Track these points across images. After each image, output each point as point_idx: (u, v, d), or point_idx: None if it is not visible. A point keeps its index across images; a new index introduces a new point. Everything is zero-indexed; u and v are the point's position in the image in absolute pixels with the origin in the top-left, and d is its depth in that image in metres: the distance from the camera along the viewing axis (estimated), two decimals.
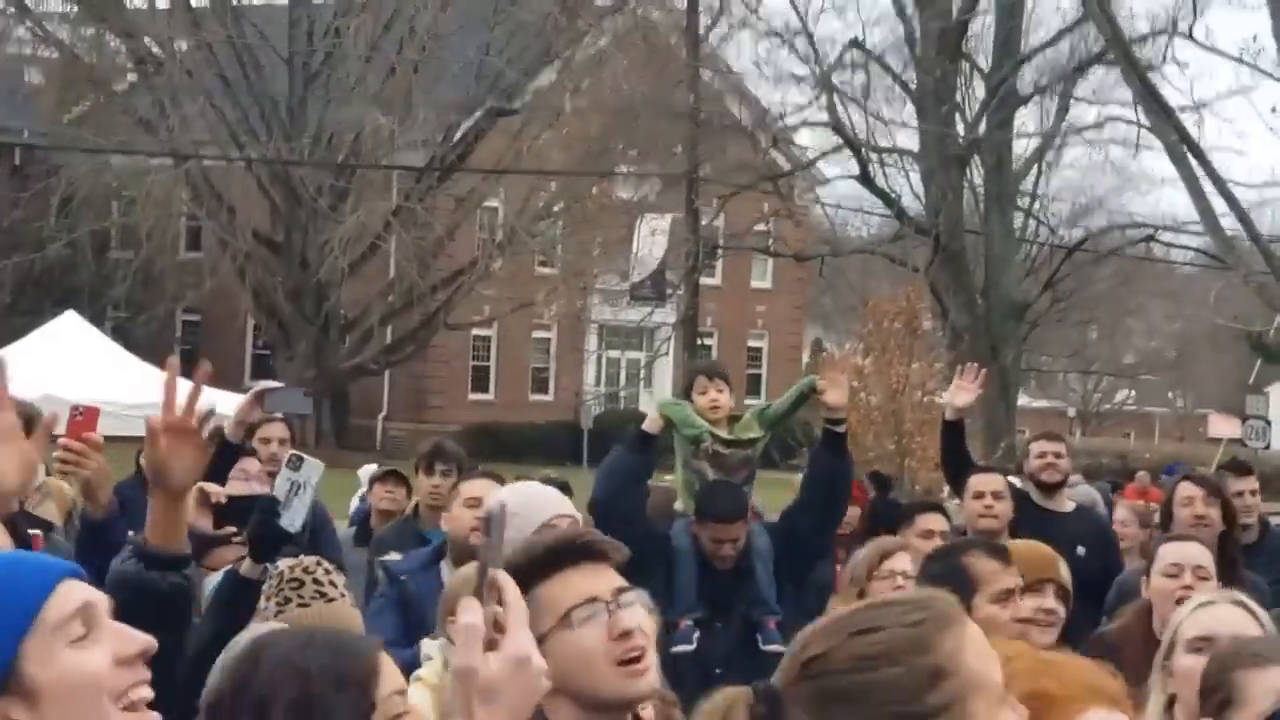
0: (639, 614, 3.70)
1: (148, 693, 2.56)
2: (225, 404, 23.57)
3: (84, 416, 5.60)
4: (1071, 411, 71.15)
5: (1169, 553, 6.78)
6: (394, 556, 7.92)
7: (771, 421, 8.56)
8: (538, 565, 3.66)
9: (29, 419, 4.38)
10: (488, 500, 7.14)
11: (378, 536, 9.56)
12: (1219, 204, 16.61)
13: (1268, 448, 37.52)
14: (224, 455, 6.56)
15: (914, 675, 2.66)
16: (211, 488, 5.98)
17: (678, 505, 8.53)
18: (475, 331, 52.86)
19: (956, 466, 9.80)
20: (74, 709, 2.48)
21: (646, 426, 8.27)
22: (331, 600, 5.31)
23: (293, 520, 5.58)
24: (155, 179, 44.58)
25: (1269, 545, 9.52)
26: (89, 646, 2.51)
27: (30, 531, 5.47)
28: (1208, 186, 16.05)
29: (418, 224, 45.37)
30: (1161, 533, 8.02)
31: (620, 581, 3.72)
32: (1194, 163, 16.62)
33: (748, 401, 8.76)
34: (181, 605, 4.27)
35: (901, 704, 2.65)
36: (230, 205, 44.72)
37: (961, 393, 9.64)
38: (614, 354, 57.24)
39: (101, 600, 2.56)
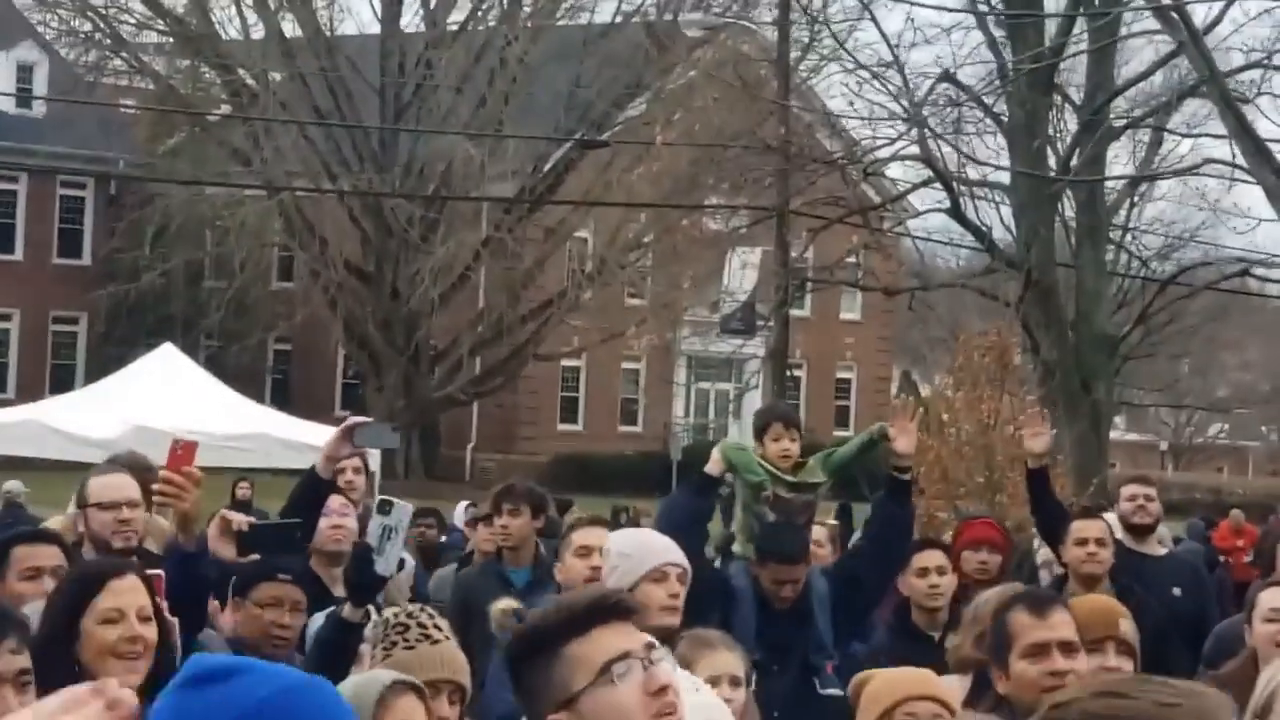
0: (669, 668, 3.74)
1: None
2: (318, 436, 23.64)
3: (183, 450, 5.68)
4: (1164, 445, 70.67)
5: (1269, 599, 6.71)
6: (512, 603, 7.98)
7: (836, 468, 8.59)
8: (574, 624, 3.71)
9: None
10: (598, 546, 7.18)
11: (460, 577, 9.56)
12: None
13: None
14: (313, 490, 6.58)
15: None
16: (234, 516, 6.03)
17: (736, 548, 8.54)
18: (564, 362, 52.99)
19: (1045, 513, 9.79)
20: None
21: (709, 469, 8.30)
22: (437, 642, 5.33)
23: (388, 564, 5.66)
24: (249, 209, 45.01)
25: None
26: None
27: (151, 572, 5.55)
28: None
29: (507, 255, 45.58)
30: (1261, 576, 7.96)
31: (648, 637, 3.76)
32: None
33: (836, 433, 8.72)
34: None
35: None
36: (322, 236, 45.05)
37: (1035, 439, 9.59)
38: (703, 385, 57.22)
39: None
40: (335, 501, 7.79)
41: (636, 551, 6.55)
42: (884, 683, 5.41)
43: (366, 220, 45.55)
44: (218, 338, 47.44)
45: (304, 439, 26.52)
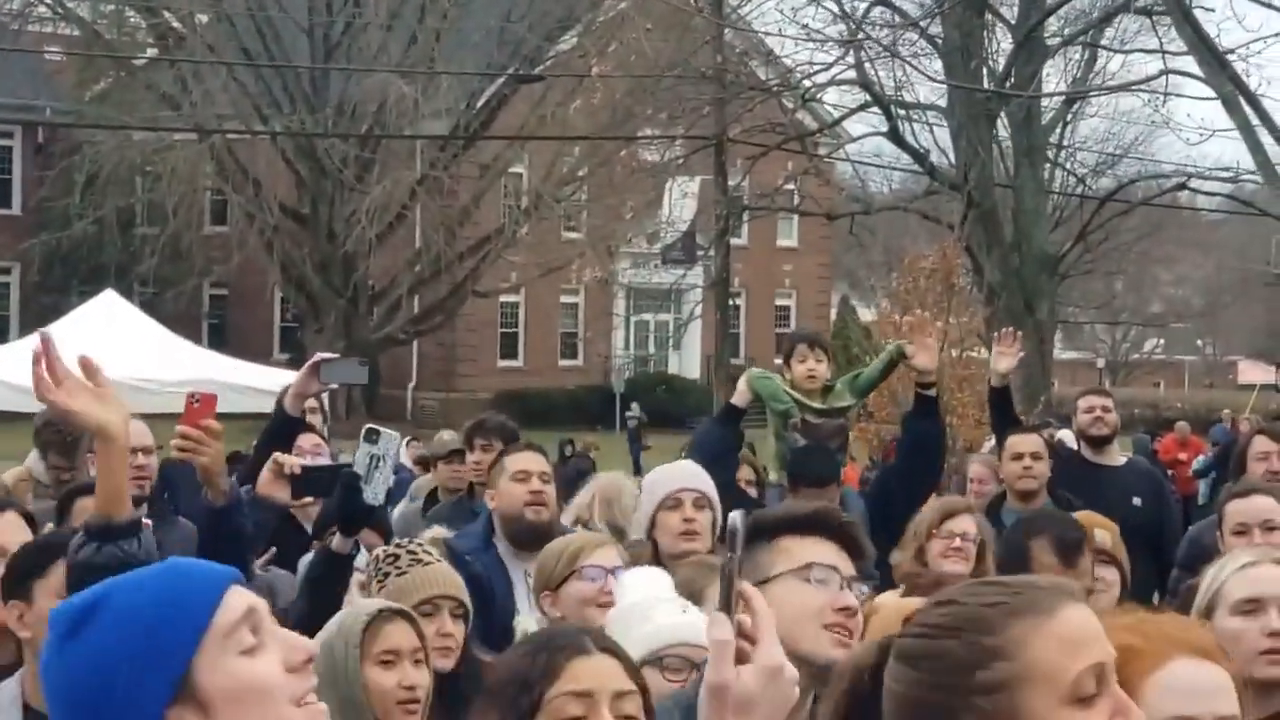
0: (855, 600, 3.83)
1: (319, 703, 2.55)
2: (262, 378, 23.56)
3: (201, 403, 5.58)
4: (1100, 362, 71.07)
5: (1236, 512, 6.76)
6: (440, 531, 7.86)
7: (863, 389, 8.69)
8: (795, 523, 3.86)
9: None
10: (536, 471, 7.14)
11: (433, 514, 9.46)
12: (1272, 152, 16.47)
13: None
14: (283, 428, 6.46)
15: (970, 651, 2.63)
16: (286, 458, 5.91)
17: (770, 476, 8.55)
18: (503, 298, 52.86)
19: (1007, 430, 9.87)
20: (248, 714, 2.48)
21: (735, 400, 8.39)
22: (429, 564, 5.34)
23: (376, 493, 5.61)
24: (179, 154, 44.56)
25: None
26: (260, 655, 2.51)
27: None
28: (1263, 136, 15.91)
29: (443, 193, 45.35)
30: (1231, 485, 7.99)
31: (854, 569, 3.89)
32: (1249, 110, 16.47)
33: (776, 361, 8.82)
34: None
35: (951, 675, 2.63)
36: (255, 178, 44.68)
37: (1003, 358, 9.62)
38: (644, 317, 57.22)
39: (264, 606, 2.56)
40: (307, 441, 7.69)
41: (653, 484, 6.63)
42: (897, 610, 5.36)
43: (300, 162, 45.20)
44: (152, 284, 47.02)
45: (248, 382, 26.39)
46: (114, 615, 2.48)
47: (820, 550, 3.82)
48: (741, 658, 2.57)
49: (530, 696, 3.19)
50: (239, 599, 2.52)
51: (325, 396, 9.47)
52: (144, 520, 4.51)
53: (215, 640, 2.48)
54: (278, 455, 5.98)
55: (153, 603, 2.49)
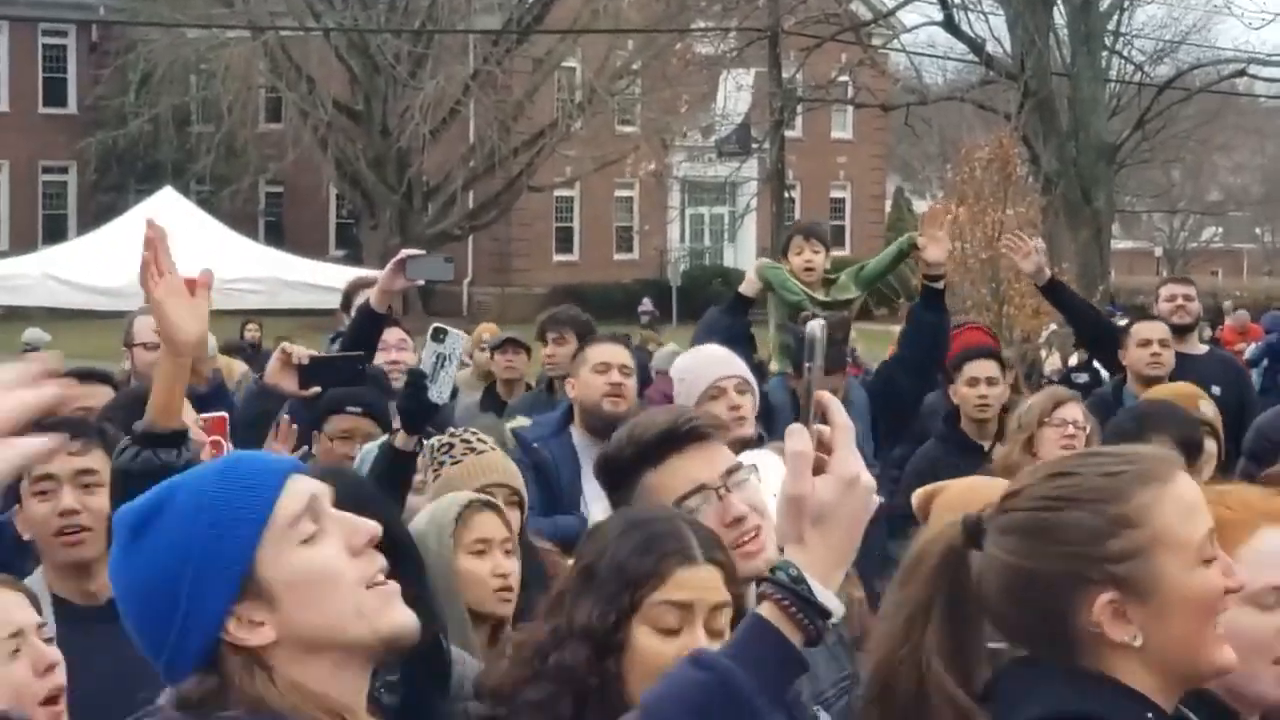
0: (750, 491, 3.70)
1: (389, 583, 2.57)
2: (321, 275, 23.59)
3: (208, 427, 5.65)
4: (1158, 251, 70.66)
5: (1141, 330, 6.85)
6: (522, 421, 7.85)
7: (868, 281, 8.60)
8: (645, 454, 3.70)
9: None
10: (617, 363, 7.17)
11: (511, 407, 9.48)
12: None
13: None
14: (368, 325, 6.54)
15: (1098, 520, 2.71)
16: (294, 349, 6.00)
17: (772, 365, 8.53)
18: (558, 193, 52.83)
19: (1078, 319, 9.90)
20: (315, 605, 2.50)
21: (744, 289, 8.31)
22: (482, 453, 5.39)
23: (440, 392, 5.63)
24: (233, 51, 44.60)
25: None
26: (321, 541, 2.53)
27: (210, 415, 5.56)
28: None
29: (496, 87, 45.25)
30: None
31: (728, 460, 3.73)
32: None
33: (834, 252, 8.69)
34: None
35: (1080, 545, 2.71)
36: (309, 75, 44.66)
37: (1027, 259, 9.51)
38: (699, 210, 57.07)
39: (325, 492, 2.57)
40: (393, 335, 7.72)
41: (690, 373, 6.53)
42: (961, 493, 5.32)
43: (353, 58, 45.11)
44: (209, 182, 47.12)
45: (305, 278, 26.49)
46: (176, 515, 2.51)
47: (684, 470, 3.67)
48: (819, 469, 2.56)
49: (632, 596, 3.22)
50: (299, 488, 2.54)
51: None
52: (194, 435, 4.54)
53: (276, 533, 2.50)
54: (285, 345, 6.08)
55: (212, 501, 2.51)
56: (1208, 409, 6.82)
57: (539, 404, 9.03)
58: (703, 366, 6.56)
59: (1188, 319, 9.78)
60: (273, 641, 2.49)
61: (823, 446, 2.58)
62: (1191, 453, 5.84)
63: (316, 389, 6.00)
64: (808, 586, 2.51)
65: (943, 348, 8.48)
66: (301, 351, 5.96)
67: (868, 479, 2.58)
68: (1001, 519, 2.79)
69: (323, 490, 2.57)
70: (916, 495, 5.22)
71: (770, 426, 7.82)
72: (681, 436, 3.70)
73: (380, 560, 2.56)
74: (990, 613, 2.79)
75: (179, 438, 4.27)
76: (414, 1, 44.36)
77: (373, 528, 2.58)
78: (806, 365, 2.66)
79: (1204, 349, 10.19)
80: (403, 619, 2.55)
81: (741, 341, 8.42)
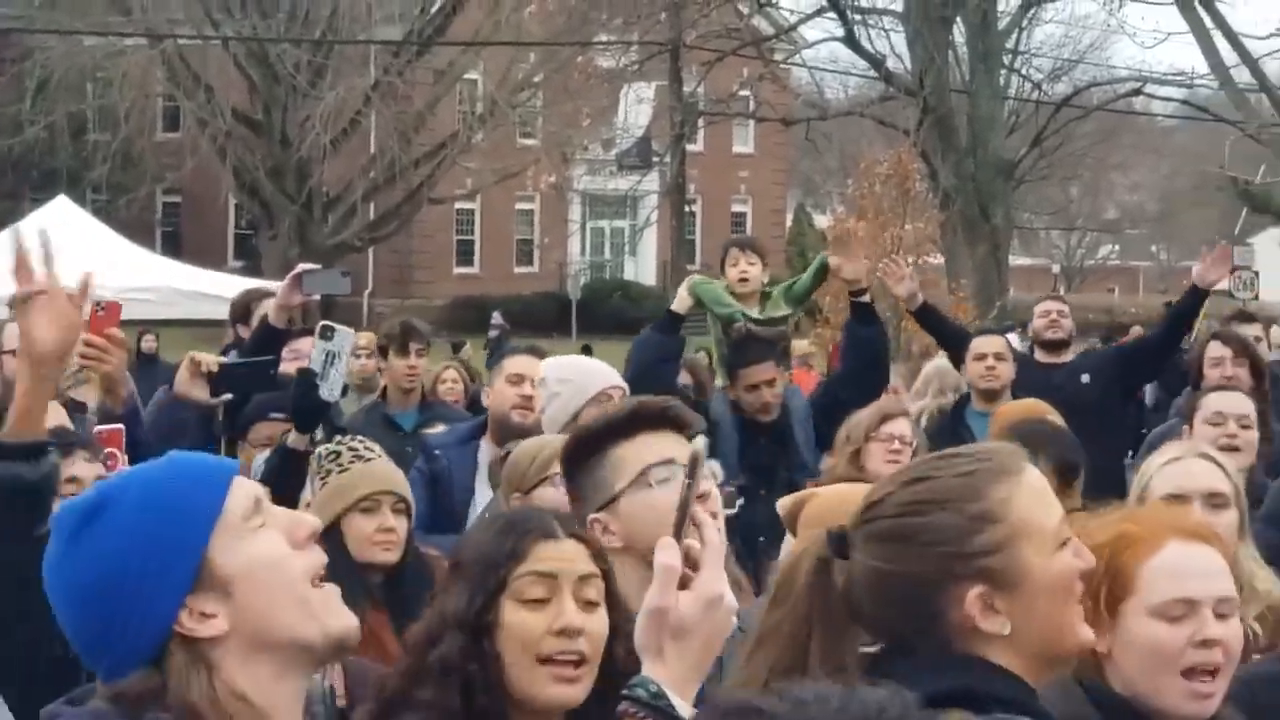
0: (710, 484, 3.82)
1: (329, 584, 2.60)
2: (216, 285, 23.37)
3: (106, 312, 5.56)
4: (1056, 268, 71.25)
5: (1214, 401, 6.94)
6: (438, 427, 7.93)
7: (798, 299, 8.71)
8: (619, 427, 3.79)
9: None
10: (531, 375, 7.16)
11: (347, 421, 9.29)
12: (1226, 56, 16.45)
13: (1256, 298, 37.50)
14: (267, 339, 6.51)
15: (961, 519, 2.80)
16: (203, 357, 5.97)
17: (717, 381, 8.60)
18: (459, 205, 52.69)
19: (949, 341, 10.09)
20: (266, 590, 2.51)
21: (675, 306, 8.37)
22: (369, 460, 5.40)
23: (331, 390, 5.64)
24: (131, 60, 44.15)
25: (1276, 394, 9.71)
26: (266, 532, 2.55)
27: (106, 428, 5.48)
28: (1218, 40, 15.89)
29: (397, 99, 45.03)
30: (1192, 391, 8.07)
31: (698, 447, 3.73)
32: (1202, 13, 16.45)
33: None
34: (48, 492, 4.13)
35: (947, 544, 2.79)
36: (208, 84, 44.28)
37: (900, 284, 9.75)
38: (599, 223, 57.10)
39: (264, 491, 2.61)
40: (306, 343, 7.67)
41: (577, 377, 6.60)
42: (829, 501, 5.26)
43: (252, 67, 44.78)
44: (105, 191, 46.73)
45: (201, 288, 26.29)
46: (126, 509, 2.50)
47: (653, 445, 3.76)
48: (684, 584, 2.61)
49: (496, 575, 3.26)
50: (245, 484, 2.58)
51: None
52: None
53: (229, 524, 2.52)
54: (194, 354, 6.05)
55: (164, 493, 2.52)
56: (1056, 422, 6.95)
57: (374, 417, 8.87)
58: (585, 375, 6.63)
59: (1061, 334, 10.07)
60: (224, 633, 2.48)
61: (690, 562, 2.62)
62: (1069, 474, 5.85)
63: (227, 396, 5.95)
64: (668, 701, 2.56)
65: (884, 359, 8.61)
66: (211, 360, 5.93)
67: (730, 600, 2.64)
68: (866, 528, 2.86)
69: (262, 490, 2.60)
70: (783, 504, 5.19)
71: (713, 439, 7.84)
72: (657, 416, 3.81)
73: (322, 556, 2.58)
74: (863, 619, 2.86)
75: (37, 450, 4.16)
76: (314, 11, 44.10)
77: (313, 521, 2.62)
78: (686, 481, 2.69)
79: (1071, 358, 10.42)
80: (349, 621, 2.57)
81: (675, 359, 8.49)
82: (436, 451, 7.08)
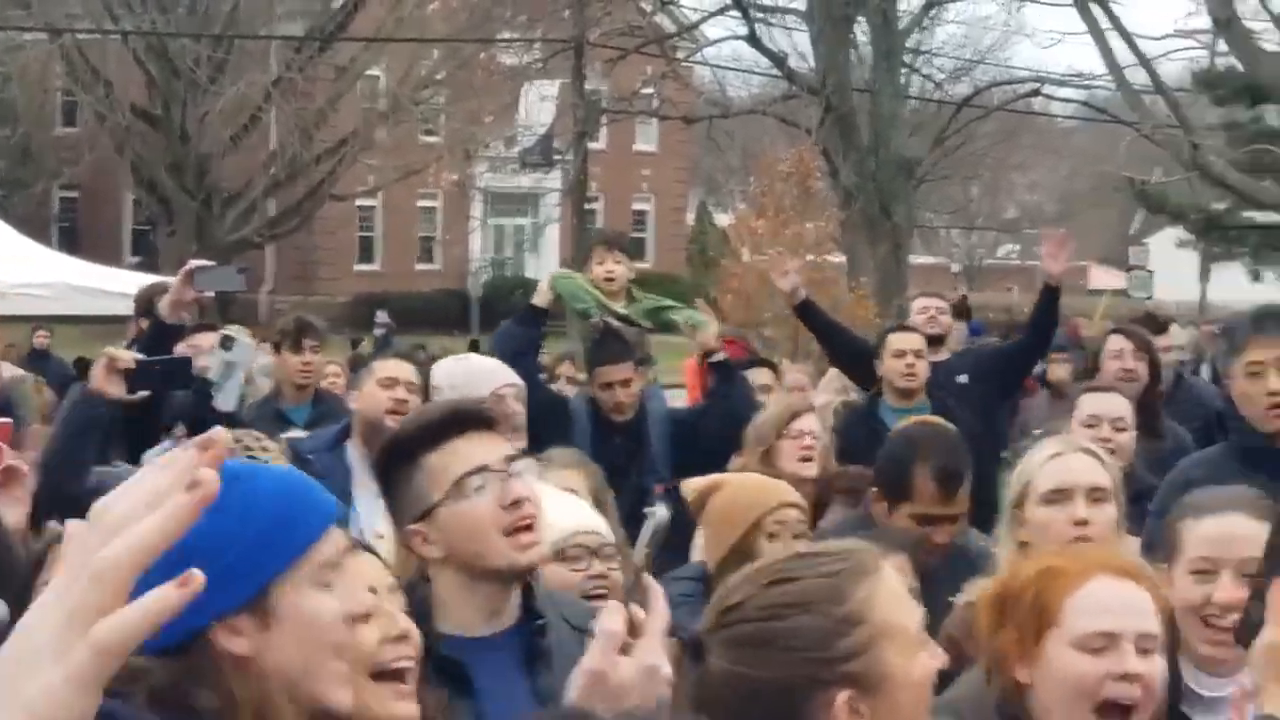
0: (529, 482, 3.72)
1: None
2: (113, 281, 23.16)
3: None
4: (956, 267, 71.66)
5: (1089, 403, 6.96)
6: (297, 433, 7.80)
7: (661, 325, 8.74)
8: (429, 434, 3.71)
9: None
10: (404, 379, 7.15)
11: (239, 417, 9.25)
12: (1122, 57, 16.63)
13: (1150, 298, 37.95)
14: (161, 337, 6.44)
15: (825, 623, 2.76)
16: (119, 353, 5.88)
17: (582, 375, 8.62)
18: (360, 202, 52.42)
19: (829, 339, 10.12)
20: (299, 647, 2.44)
21: (535, 299, 8.43)
22: (265, 459, 5.30)
23: (227, 400, 5.57)
24: (29, 54, 43.70)
25: (1181, 395, 9.80)
26: (328, 594, 2.47)
27: None
28: (1114, 41, 16.03)
29: (298, 95, 44.75)
30: (1086, 382, 8.13)
31: (509, 449, 3.75)
32: (1099, 14, 16.61)
33: (637, 265, 8.83)
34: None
35: (811, 649, 2.75)
36: (107, 79, 43.87)
37: (785, 279, 9.80)
38: (501, 221, 57.02)
39: (348, 547, 2.56)
40: (206, 340, 7.63)
41: (466, 380, 6.62)
42: (744, 490, 5.28)
43: (152, 62, 44.39)
44: (1, 186, 46.28)
45: (98, 284, 25.99)
46: (250, 492, 2.43)
47: (465, 452, 3.68)
48: (624, 650, 2.63)
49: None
50: (338, 539, 2.51)
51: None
52: None
53: (305, 567, 2.45)
54: (110, 350, 5.95)
55: (286, 500, 2.46)
56: (943, 425, 6.96)
57: (265, 412, 8.81)
58: (474, 378, 6.66)
59: (939, 330, 10.03)
60: (247, 656, 2.42)
61: (633, 630, 2.64)
62: (949, 485, 5.84)
63: (145, 393, 5.89)
64: None
65: (746, 412, 8.58)
66: (127, 356, 5.83)
67: (666, 672, 2.65)
68: (725, 633, 2.81)
69: (347, 545, 2.55)
70: (690, 490, 5.20)
71: (566, 434, 7.85)
72: (466, 419, 3.72)
73: (372, 636, 2.60)
74: None
75: None
76: (214, 6, 43.78)
77: (368, 603, 2.55)
78: (645, 549, 2.71)
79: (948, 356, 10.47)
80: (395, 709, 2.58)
81: (534, 352, 8.50)
82: (309, 457, 6.91)
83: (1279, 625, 2.90)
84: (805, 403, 8.02)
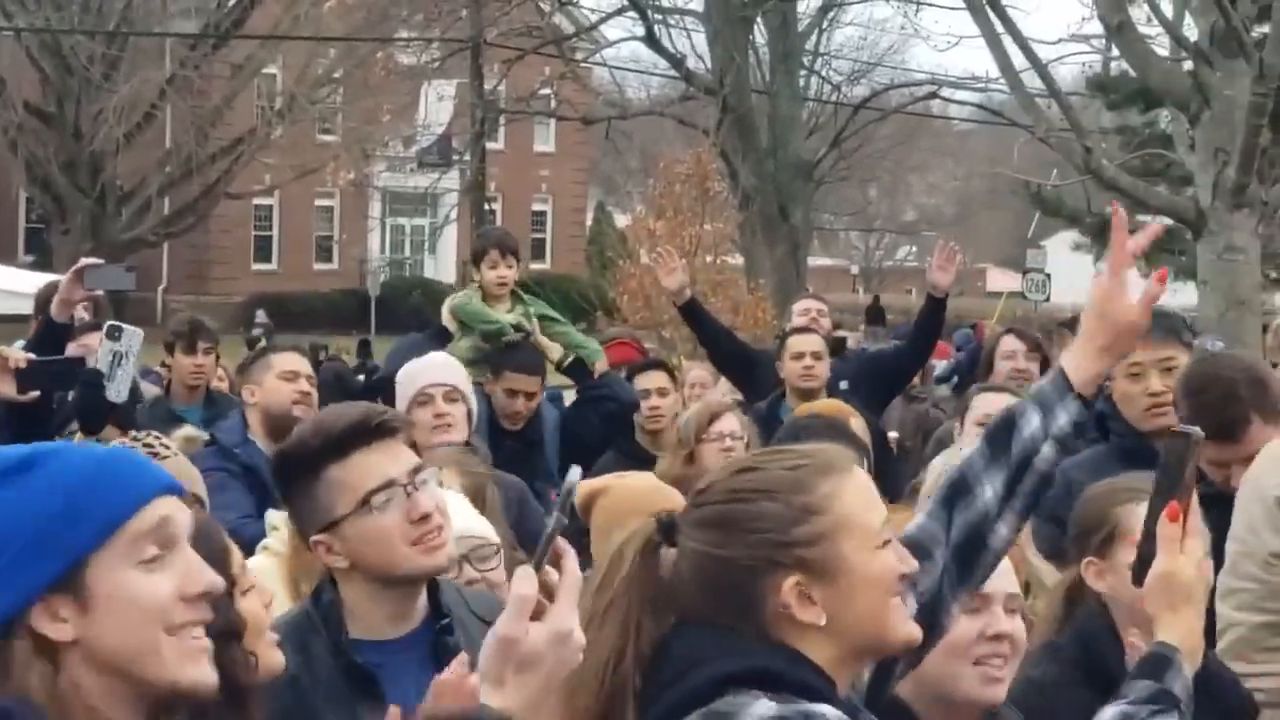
0: (434, 491, 3.74)
1: (204, 638, 2.44)
2: (2, 280, 22.84)
3: None
4: (854, 269, 72.06)
5: (983, 404, 6.97)
6: (194, 431, 7.76)
7: (570, 350, 8.73)
8: (331, 446, 3.69)
9: None
10: (303, 372, 7.14)
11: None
12: (1017, 61, 16.70)
13: (1047, 300, 38.19)
14: (50, 336, 6.37)
15: (785, 509, 2.87)
16: (11, 353, 5.82)
17: (471, 374, 8.60)
18: (257, 201, 52.13)
19: (711, 341, 10.14)
20: (122, 629, 2.37)
21: (445, 323, 8.48)
22: (165, 458, 5.22)
23: (119, 390, 5.52)
24: None
25: None
26: (156, 573, 2.39)
27: None
28: (1008, 44, 16.16)
29: (194, 92, 44.48)
30: (980, 383, 8.16)
31: (414, 459, 3.75)
32: (994, 18, 16.67)
33: (533, 265, 8.82)
34: None
35: (769, 532, 2.86)
36: (0, 76, 43.48)
37: (671, 276, 9.88)
38: (400, 221, 56.89)
39: (185, 525, 2.45)
40: (93, 339, 7.58)
41: (406, 378, 6.74)
42: (628, 495, 5.26)
43: (45, 59, 43.98)
44: None
45: None
46: (43, 476, 2.38)
47: (370, 465, 3.67)
48: (536, 615, 2.60)
49: None
50: (162, 508, 2.42)
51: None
52: None
53: (120, 543, 2.38)
54: (3, 349, 5.88)
55: (80, 480, 2.38)
56: (858, 426, 6.95)
57: (158, 413, 8.72)
58: (416, 372, 6.72)
59: (819, 333, 9.98)
60: (69, 642, 2.35)
61: (547, 592, 2.61)
62: None
63: (36, 393, 5.81)
64: None
65: (626, 409, 8.65)
66: (19, 356, 5.76)
67: (579, 637, 2.64)
68: (694, 513, 2.94)
69: (184, 521, 2.45)
70: (580, 493, 5.17)
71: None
72: (370, 431, 3.70)
73: (204, 614, 2.43)
74: (685, 603, 2.90)
75: None
76: (108, 3, 43.39)
77: (212, 582, 2.45)
78: (557, 515, 2.66)
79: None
80: (203, 676, 2.42)
81: None
82: (236, 450, 7.00)
83: (1169, 555, 3.10)
84: (724, 403, 8.03)
